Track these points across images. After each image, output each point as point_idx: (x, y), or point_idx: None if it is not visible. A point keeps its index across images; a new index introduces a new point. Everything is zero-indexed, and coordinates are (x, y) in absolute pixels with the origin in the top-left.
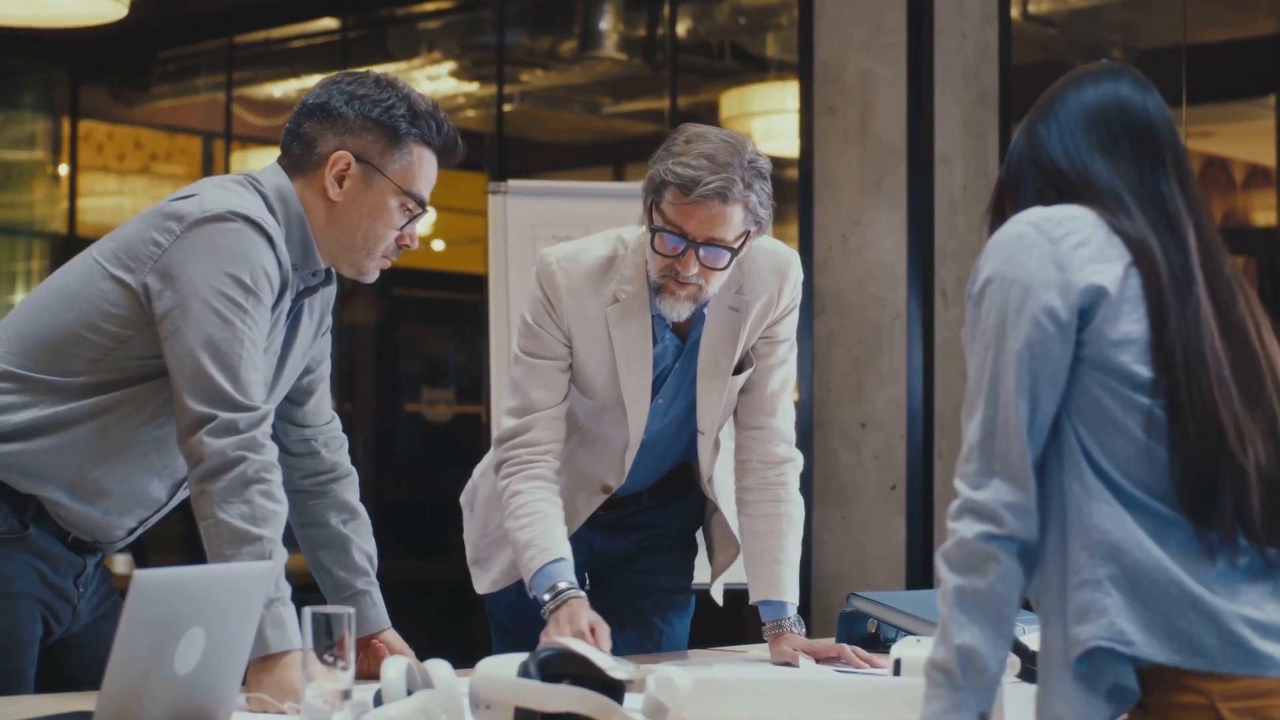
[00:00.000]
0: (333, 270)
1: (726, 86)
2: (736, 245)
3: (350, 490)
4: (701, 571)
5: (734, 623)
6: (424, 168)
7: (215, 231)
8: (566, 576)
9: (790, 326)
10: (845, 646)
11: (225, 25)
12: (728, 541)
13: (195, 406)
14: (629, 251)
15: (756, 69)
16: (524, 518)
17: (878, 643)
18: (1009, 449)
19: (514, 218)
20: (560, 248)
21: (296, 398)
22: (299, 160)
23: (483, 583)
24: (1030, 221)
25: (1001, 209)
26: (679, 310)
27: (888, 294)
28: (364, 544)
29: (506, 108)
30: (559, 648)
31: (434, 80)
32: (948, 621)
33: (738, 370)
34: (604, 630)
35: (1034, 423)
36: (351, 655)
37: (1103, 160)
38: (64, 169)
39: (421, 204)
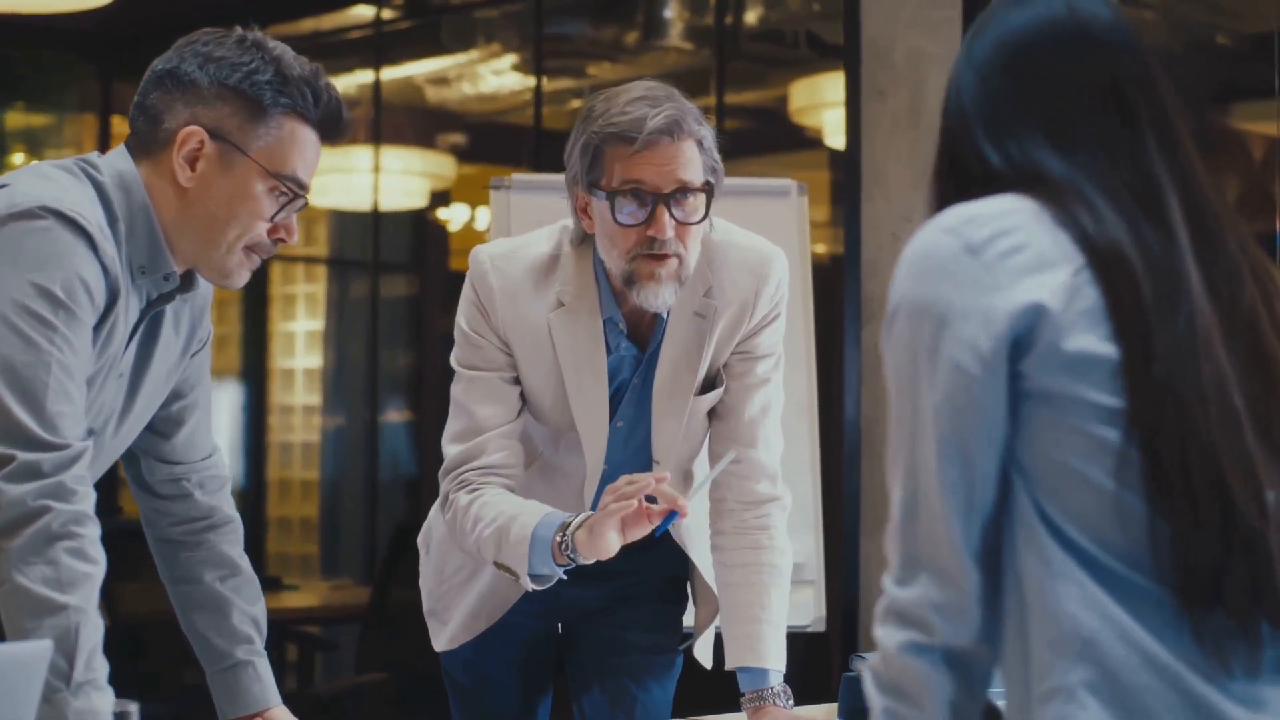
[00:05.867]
0: (194, 273)
1: (798, 75)
2: (706, 190)
3: (230, 541)
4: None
5: (734, 685)
6: (298, 144)
7: (21, 231)
8: (564, 517)
9: (772, 339)
10: None
11: (256, 14)
12: (710, 594)
13: None
14: (575, 246)
15: (832, 57)
16: (484, 520)
17: None
18: (934, 534)
19: (518, 212)
20: (496, 244)
21: (163, 429)
22: (144, 139)
23: (439, 638)
24: (946, 227)
25: (945, 196)
26: (663, 295)
27: None
28: (247, 605)
29: (575, 103)
30: None
31: (499, 75)
32: None
33: (707, 389)
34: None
35: (971, 493)
36: None
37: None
38: None
39: (299, 187)
